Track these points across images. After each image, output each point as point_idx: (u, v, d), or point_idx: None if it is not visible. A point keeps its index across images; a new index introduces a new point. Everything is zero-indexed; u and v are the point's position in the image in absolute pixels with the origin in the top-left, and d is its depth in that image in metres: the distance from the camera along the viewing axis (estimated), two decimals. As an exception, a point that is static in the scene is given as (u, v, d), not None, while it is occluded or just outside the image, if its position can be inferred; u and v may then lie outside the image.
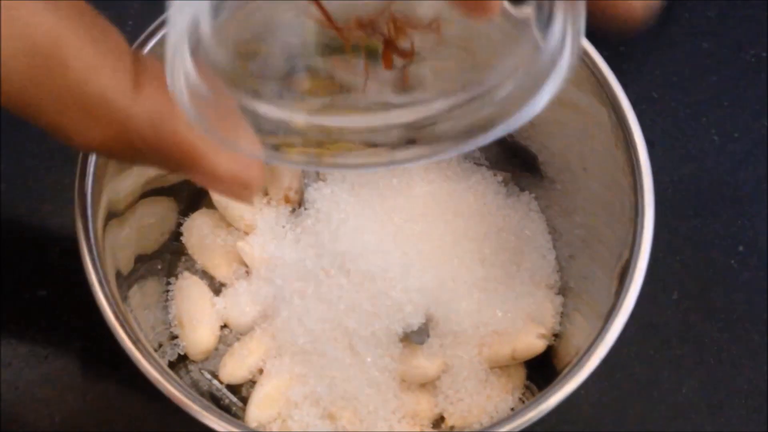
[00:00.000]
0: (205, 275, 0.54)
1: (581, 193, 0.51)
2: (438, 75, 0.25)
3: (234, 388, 0.52)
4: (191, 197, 0.55)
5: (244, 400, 0.51)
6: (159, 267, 0.53)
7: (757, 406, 0.57)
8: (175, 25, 0.24)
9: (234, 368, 0.50)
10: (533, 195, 0.55)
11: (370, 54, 0.26)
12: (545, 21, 0.25)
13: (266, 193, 0.54)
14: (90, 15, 0.29)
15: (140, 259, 0.50)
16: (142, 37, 0.44)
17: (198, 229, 0.54)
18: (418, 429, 0.49)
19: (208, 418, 0.38)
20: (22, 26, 0.26)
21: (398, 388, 0.49)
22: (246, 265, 0.53)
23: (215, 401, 0.51)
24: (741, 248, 0.60)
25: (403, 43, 0.25)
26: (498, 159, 0.57)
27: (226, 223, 0.54)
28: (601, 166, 0.47)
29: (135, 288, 0.47)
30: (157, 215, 0.52)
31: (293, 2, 0.26)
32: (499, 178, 0.55)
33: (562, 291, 0.53)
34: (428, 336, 0.49)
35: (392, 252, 0.50)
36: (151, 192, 0.50)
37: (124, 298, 0.43)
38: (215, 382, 0.51)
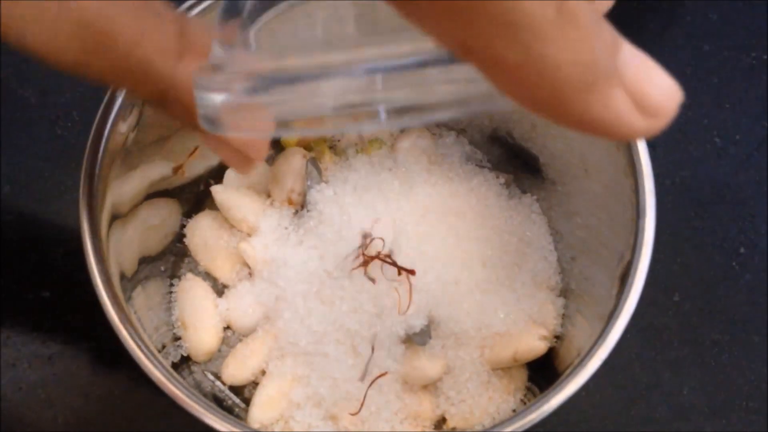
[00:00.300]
0: (208, 277, 0.54)
1: (583, 195, 0.51)
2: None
3: (237, 390, 0.52)
4: (195, 199, 0.56)
5: (247, 402, 0.51)
6: (162, 268, 0.53)
7: (757, 407, 0.57)
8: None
9: (236, 369, 0.50)
10: (535, 197, 0.55)
11: None
12: None
13: (269, 195, 0.54)
14: None
15: (144, 261, 0.50)
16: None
17: (201, 231, 0.54)
18: (419, 430, 0.50)
19: (211, 419, 0.39)
20: (75, 10, 0.30)
21: (400, 389, 0.49)
22: (249, 267, 0.53)
23: (218, 402, 0.51)
24: (742, 250, 0.61)
25: None
26: (500, 161, 0.57)
27: (229, 224, 0.54)
28: (602, 167, 0.47)
29: (138, 289, 0.48)
30: (160, 217, 0.52)
31: None
32: (501, 180, 0.55)
33: (564, 293, 0.53)
34: (430, 337, 0.50)
35: (394, 254, 0.50)
36: (155, 194, 0.51)
37: (128, 300, 0.44)
38: (218, 383, 0.52)
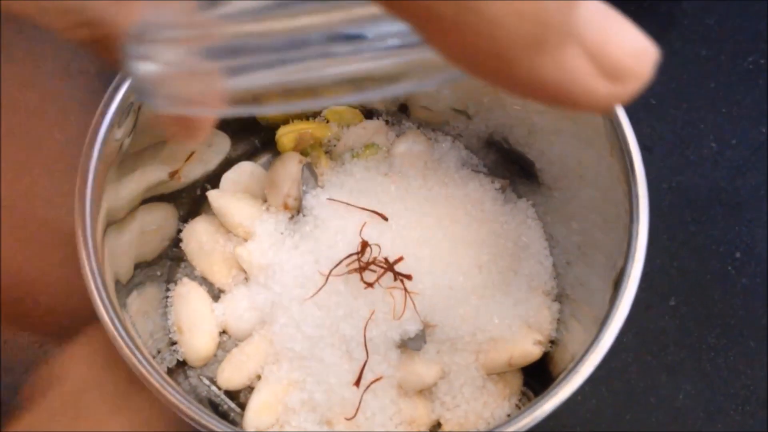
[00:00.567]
0: (205, 281, 0.54)
1: (578, 201, 0.51)
2: None
3: (232, 394, 0.52)
4: (191, 204, 0.56)
5: (243, 406, 0.51)
6: (158, 273, 0.53)
7: (753, 411, 0.57)
8: None
9: (232, 374, 0.50)
10: (531, 202, 0.56)
11: None
12: None
13: (265, 200, 0.55)
14: None
15: (140, 266, 0.50)
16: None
17: (197, 236, 0.54)
18: (415, 435, 0.50)
19: (204, 425, 0.39)
20: None
21: (395, 394, 0.49)
22: (245, 272, 0.53)
23: (213, 407, 0.51)
24: (738, 254, 0.61)
25: None
26: (496, 166, 0.57)
27: (226, 229, 0.54)
28: (596, 173, 0.47)
29: (134, 294, 0.48)
30: (157, 222, 0.52)
31: None
32: (497, 185, 0.55)
33: (559, 298, 0.53)
34: (425, 342, 0.50)
35: (390, 258, 0.50)
36: (151, 198, 0.51)
37: (123, 305, 0.44)
38: (213, 388, 0.52)
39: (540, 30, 0.17)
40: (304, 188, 0.53)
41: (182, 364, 0.52)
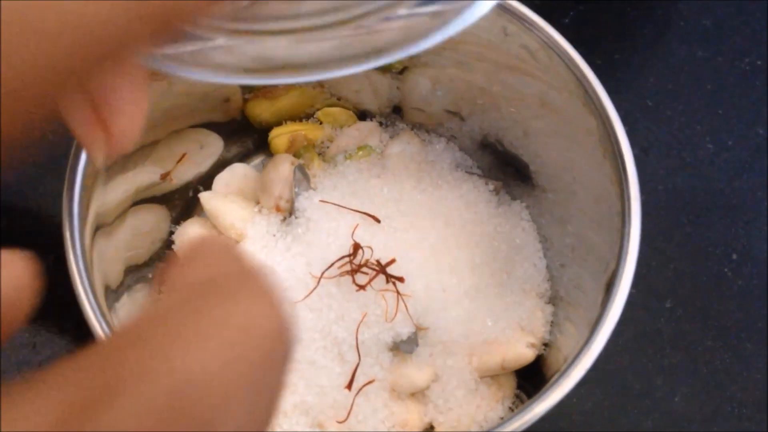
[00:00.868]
0: (197, 284, 0.54)
1: (572, 202, 0.51)
2: None
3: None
4: (184, 205, 0.56)
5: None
6: (150, 276, 0.53)
7: (750, 414, 0.57)
8: None
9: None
10: (525, 204, 0.55)
11: None
12: None
13: (257, 202, 0.54)
14: None
15: (131, 269, 0.50)
16: None
17: (190, 238, 0.54)
18: (407, 438, 0.49)
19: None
20: None
21: (388, 397, 0.49)
22: (237, 274, 0.53)
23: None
24: (735, 256, 0.60)
25: None
26: (490, 168, 0.57)
27: (218, 231, 0.54)
28: (590, 175, 0.47)
29: (124, 298, 0.47)
30: (148, 223, 0.52)
31: None
32: (491, 187, 0.55)
33: (553, 300, 0.53)
34: (417, 345, 0.50)
35: (382, 260, 0.50)
36: (142, 200, 0.51)
37: (113, 310, 0.43)
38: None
39: None
40: (296, 190, 0.53)
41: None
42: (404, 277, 0.50)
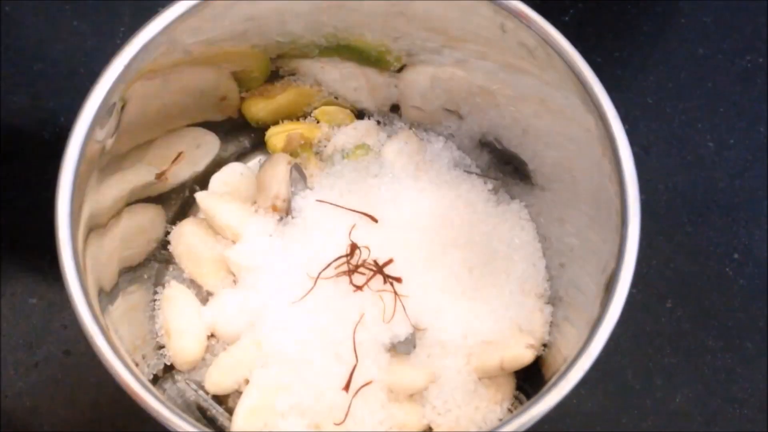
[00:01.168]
0: (193, 284, 0.54)
1: (571, 202, 0.50)
2: None
3: (220, 399, 0.51)
4: (180, 205, 0.55)
5: (231, 411, 0.50)
6: (146, 276, 0.53)
7: (751, 415, 0.56)
8: None
9: (220, 378, 0.49)
10: (524, 203, 0.55)
11: None
12: None
13: (254, 202, 0.54)
14: None
15: (126, 269, 0.50)
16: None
17: (185, 238, 0.53)
18: (405, 440, 0.49)
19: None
20: None
21: (385, 398, 0.49)
22: (233, 274, 0.53)
23: (201, 412, 0.50)
24: (736, 256, 0.60)
25: None
26: (489, 167, 0.57)
27: (214, 231, 0.54)
28: (589, 174, 0.47)
29: (119, 300, 0.47)
30: (143, 223, 0.52)
31: None
32: (490, 186, 0.55)
33: (552, 300, 0.52)
34: (415, 346, 0.49)
35: (380, 260, 0.50)
36: (138, 200, 0.50)
37: (105, 311, 0.43)
38: (201, 392, 0.51)
39: None
40: (293, 190, 0.53)
41: (170, 368, 0.51)
42: (402, 277, 0.49)
